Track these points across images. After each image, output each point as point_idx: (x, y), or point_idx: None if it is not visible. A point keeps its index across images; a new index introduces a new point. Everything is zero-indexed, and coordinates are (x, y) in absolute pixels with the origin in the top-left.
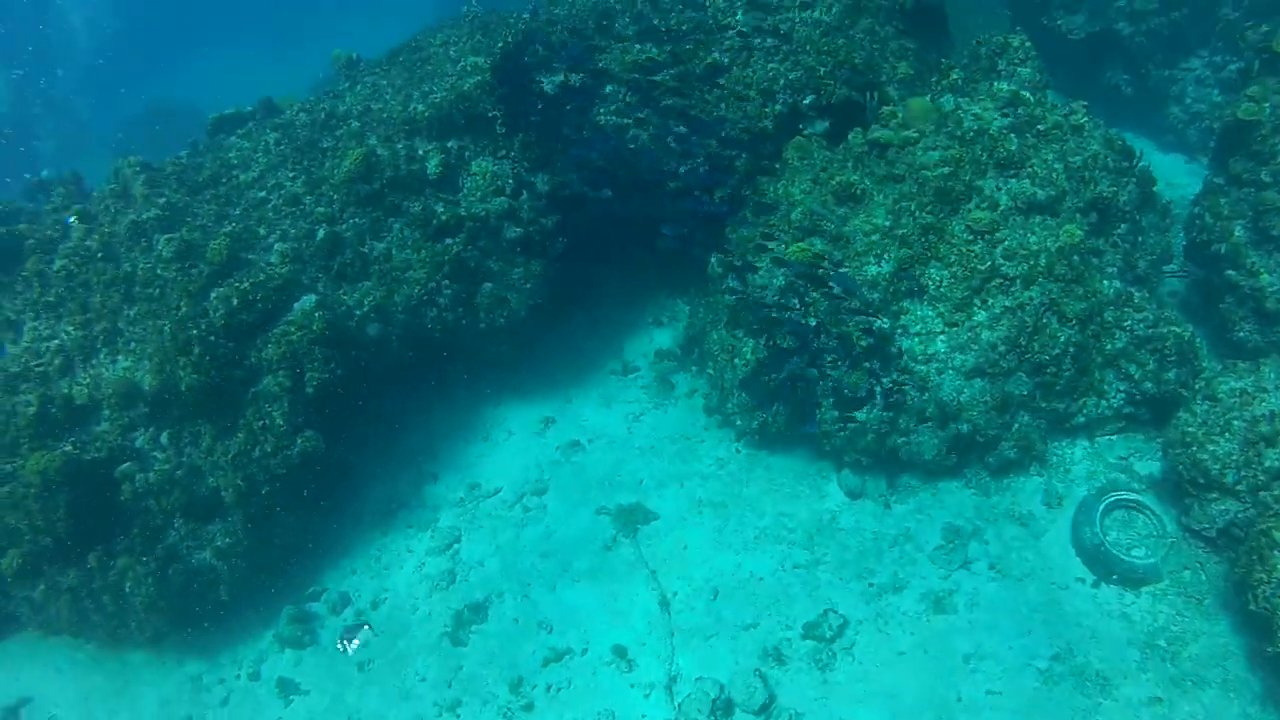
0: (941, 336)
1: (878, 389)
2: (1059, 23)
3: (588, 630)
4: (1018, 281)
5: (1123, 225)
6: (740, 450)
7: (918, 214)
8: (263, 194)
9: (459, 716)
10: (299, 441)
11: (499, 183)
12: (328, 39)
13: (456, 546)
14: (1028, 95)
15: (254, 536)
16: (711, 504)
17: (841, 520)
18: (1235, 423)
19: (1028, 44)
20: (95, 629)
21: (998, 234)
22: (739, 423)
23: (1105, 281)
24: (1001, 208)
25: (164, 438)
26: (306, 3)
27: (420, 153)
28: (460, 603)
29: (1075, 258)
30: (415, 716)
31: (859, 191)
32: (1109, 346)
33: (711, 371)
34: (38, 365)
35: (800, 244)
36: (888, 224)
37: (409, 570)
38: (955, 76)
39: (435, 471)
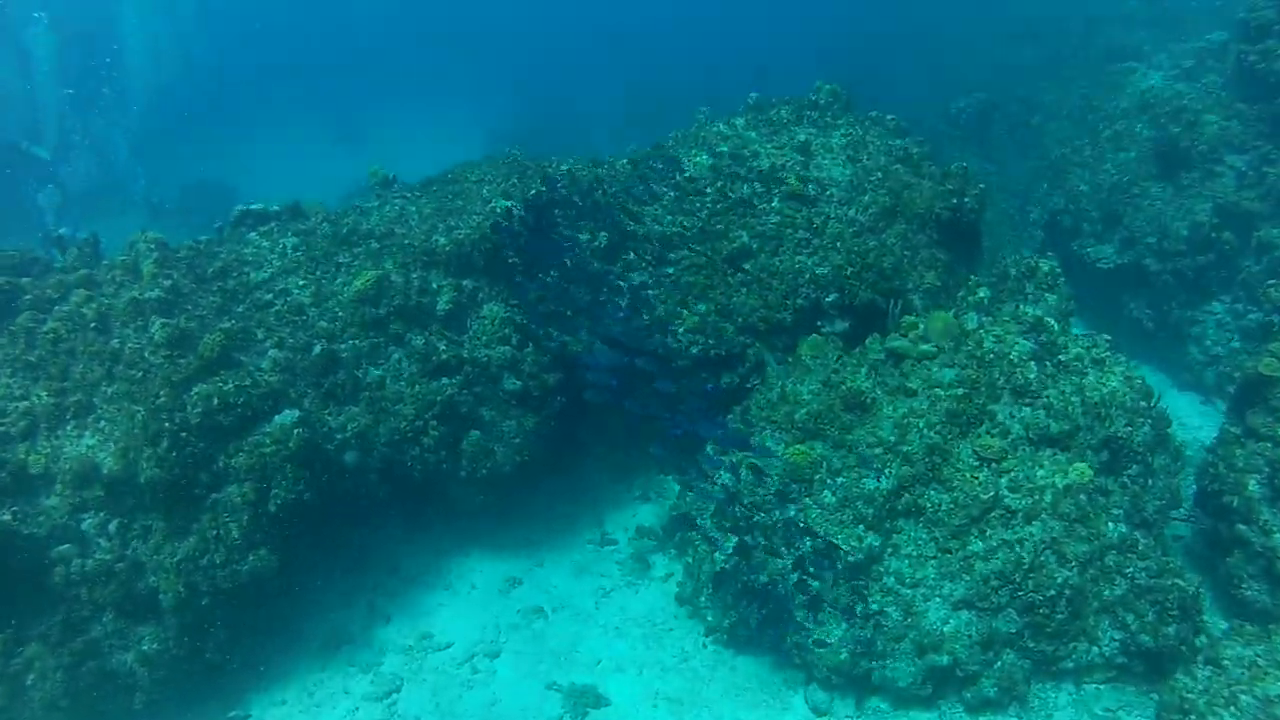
0: (933, 562)
1: (858, 608)
2: (1089, 250)
3: None
4: (1020, 515)
5: (1134, 466)
6: (707, 646)
7: (925, 432)
8: (269, 296)
9: None
10: (251, 558)
11: (506, 330)
12: (388, 149)
13: (395, 697)
14: (1052, 322)
15: (185, 647)
16: (668, 699)
17: None
18: (1243, 698)
19: (1057, 270)
20: None
21: (1005, 463)
22: (710, 618)
23: (1111, 524)
24: (1012, 436)
25: (113, 526)
26: (379, 111)
27: (434, 286)
28: None
29: (1083, 497)
30: None
31: (868, 401)
32: (1107, 592)
33: (690, 560)
34: (1, 424)
35: (802, 446)
36: (893, 438)
37: (341, 712)
38: (981, 295)
39: (389, 613)
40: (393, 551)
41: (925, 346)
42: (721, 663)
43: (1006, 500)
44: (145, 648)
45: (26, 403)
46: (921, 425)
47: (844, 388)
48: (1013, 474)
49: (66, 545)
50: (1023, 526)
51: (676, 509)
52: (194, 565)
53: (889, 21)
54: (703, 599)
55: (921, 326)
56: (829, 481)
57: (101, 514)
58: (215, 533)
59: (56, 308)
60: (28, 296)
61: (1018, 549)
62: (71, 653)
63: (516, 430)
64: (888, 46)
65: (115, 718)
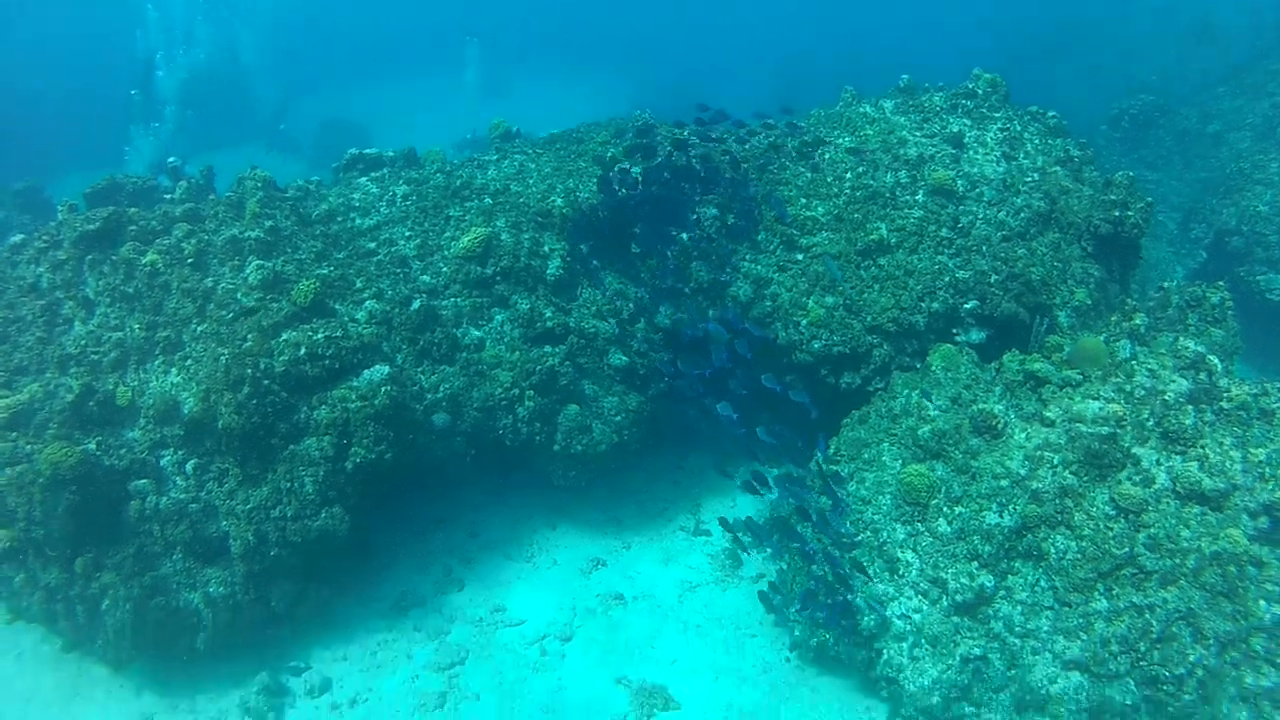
0: (1048, 613)
1: (959, 651)
2: (1260, 279)
3: None
4: (1155, 578)
5: None
6: (790, 660)
7: (1059, 470)
8: (373, 245)
9: None
10: (323, 515)
11: (619, 303)
12: (529, 106)
13: (458, 669)
14: (1215, 362)
15: (250, 593)
16: (741, 712)
17: None
18: None
19: (1229, 302)
20: (61, 632)
21: (1145, 517)
22: (798, 632)
23: (1263, 603)
24: (1157, 487)
25: (190, 466)
26: (528, 70)
27: (545, 249)
28: None
29: (1233, 568)
30: None
31: (1000, 426)
32: (1250, 681)
33: (784, 567)
34: (94, 352)
35: (921, 466)
36: (1023, 472)
37: (401, 677)
38: (1138, 322)
39: (464, 579)
40: (475, 515)
41: (1069, 372)
42: (803, 681)
43: (1142, 559)
44: (212, 590)
45: (120, 334)
46: (1056, 462)
47: (975, 408)
48: (1153, 530)
49: (144, 480)
50: (1157, 591)
51: (777, 510)
52: (265, 515)
53: (1049, 16)
54: (792, 611)
55: (1067, 349)
56: (945, 510)
57: (180, 452)
58: (289, 485)
59: (158, 240)
60: (133, 227)
61: (1148, 615)
62: (141, 586)
63: (618, 408)
64: (1047, 41)
65: (179, 654)
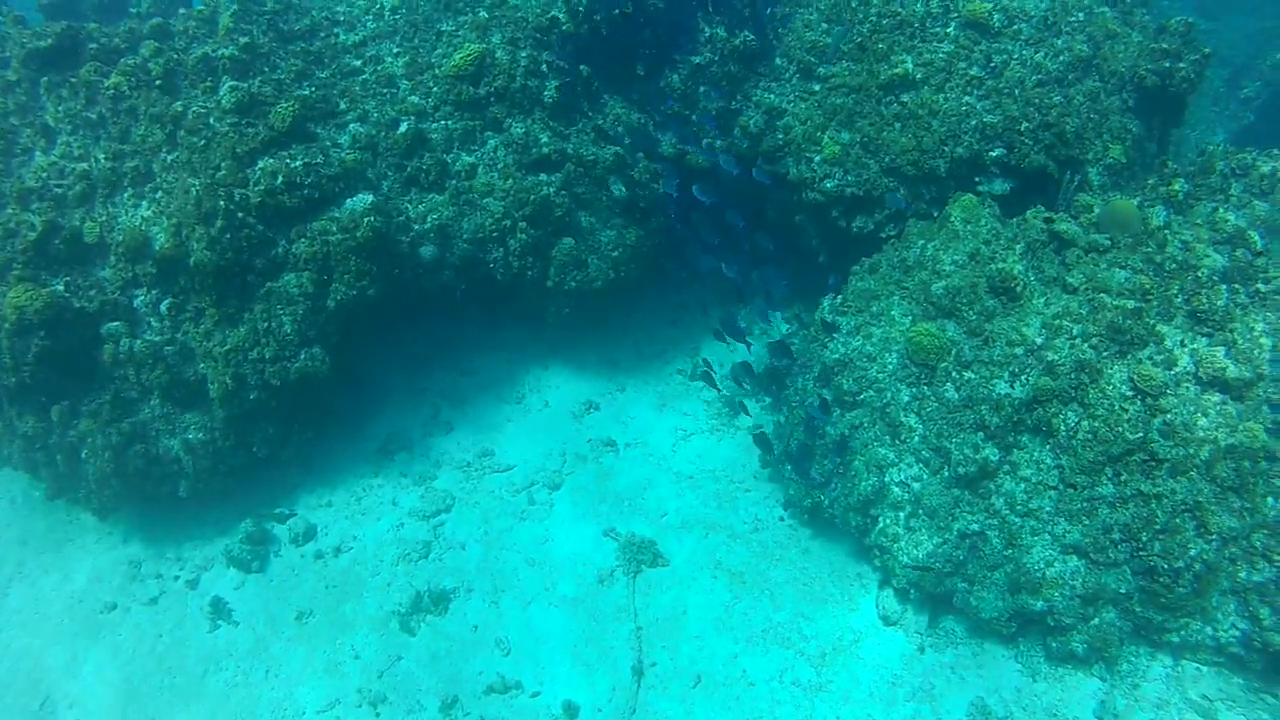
0: (1052, 494)
1: (956, 525)
2: None
3: (546, 669)
4: (1165, 467)
5: None
6: (784, 519)
7: (1079, 342)
8: (358, 63)
9: (378, 716)
10: (302, 357)
11: (620, 130)
12: None
13: (443, 517)
14: (1256, 238)
15: (231, 439)
16: (730, 571)
17: (864, 647)
18: None
19: None
20: (44, 480)
21: (1163, 401)
22: (792, 490)
23: (1271, 500)
24: (1178, 370)
25: (164, 306)
26: None
27: (544, 68)
28: (425, 583)
29: (1246, 463)
30: (333, 698)
31: (1019, 288)
32: (1244, 575)
33: (783, 420)
34: (58, 185)
35: (931, 325)
36: (1039, 340)
37: (386, 525)
38: (1177, 187)
39: (451, 421)
40: (467, 352)
41: (1097, 236)
42: (795, 542)
43: (1155, 445)
44: (191, 436)
45: (84, 165)
46: (1075, 333)
47: (993, 266)
48: (1169, 416)
49: (116, 323)
50: (1166, 480)
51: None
52: (243, 357)
53: None
54: (789, 467)
55: (1097, 210)
56: (954, 374)
57: (154, 291)
58: (267, 325)
59: (123, 60)
60: (93, 45)
61: (1154, 505)
62: (119, 433)
63: (616, 242)
64: None
65: (162, 501)
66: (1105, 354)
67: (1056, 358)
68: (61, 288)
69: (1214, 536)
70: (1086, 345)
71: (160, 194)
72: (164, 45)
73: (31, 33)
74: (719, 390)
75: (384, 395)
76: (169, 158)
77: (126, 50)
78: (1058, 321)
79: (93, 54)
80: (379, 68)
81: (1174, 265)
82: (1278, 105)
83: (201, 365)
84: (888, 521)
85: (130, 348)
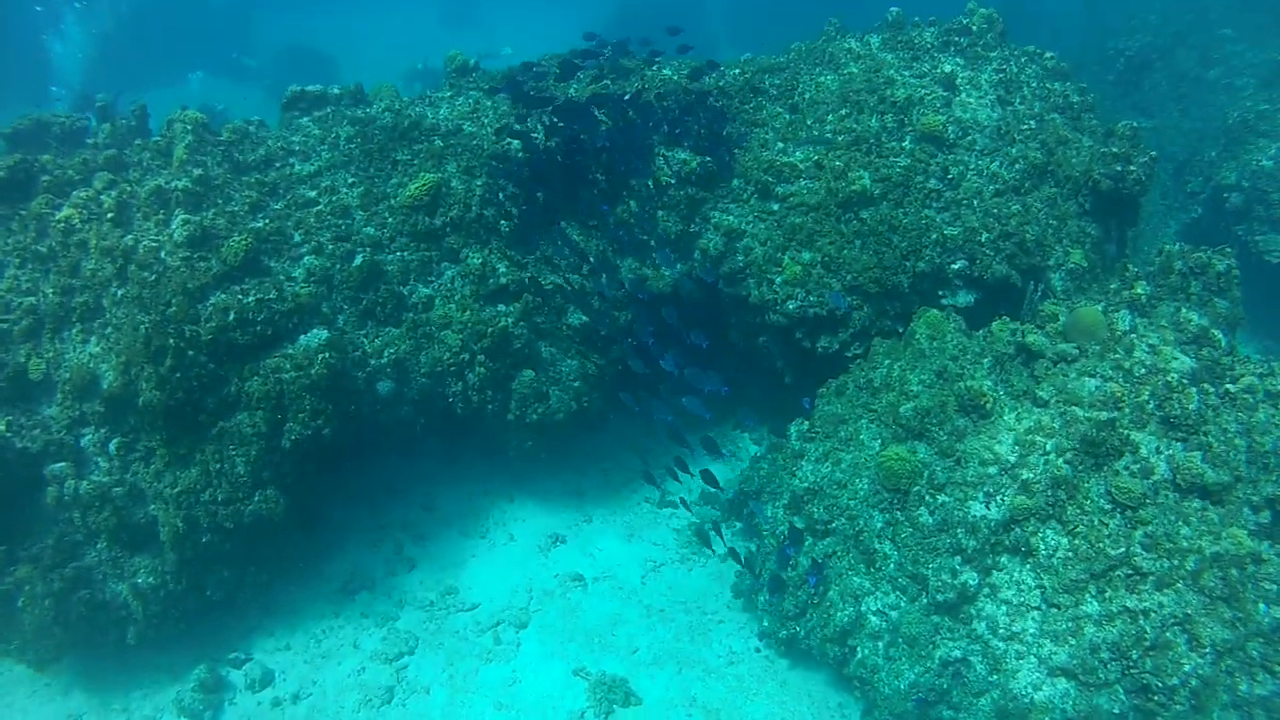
0: (1035, 614)
1: (937, 653)
2: (1260, 239)
3: None
4: (1151, 580)
5: None
6: (760, 650)
7: (1052, 458)
8: (313, 194)
9: None
10: (256, 499)
11: (577, 258)
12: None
13: (407, 660)
14: (1220, 337)
15: (183, 582)
16: (706, 708)
17: None
18: None
19: (1235, 271)
20: None
21: (1143, 512)
22: (766, 622)
23: (1262, 605)
24: (1156, 478)
25: (113, 445)
26: None
27: (500, 196)
28: None
29: (1233, 570)
30: None
31: (989, 405)
32: (1244, 689)
33: (754, 548)
34: (3, 320)
35: (901, 448)
36: (1012, 458)
37: (346, 669)
38: (1140, 291)
39: (414, 558)
40: (428, 485)
41: (1064, 345)
42: (772, 675)
43: (1138, 559)
44: (140, 580)
45: (32, 299)
46: (1049, 448)
47: (961, 384)
48: (1150, 528)
49: (61, 464)
50: (1152, 594)
51: (748, 482)
52: (195, 499)
53: None
54: (761, 598)
55: (1063, 319)
56: (928, 498)
57: (102, 431)
58: (219, 465)
59: (76, 192)
60: (46, 177)
61: (1142, 621)
62: (62, 579)
63: (577, 372)
64: None
65: (108, 649)
66: (1081, 468)
67: (1031, 475)
68: (3, 427)
69: (1207, 649)
70: (1061, 460)
71: (110, 330)
72: (118, 177)
73: None
74: (659, 488)
75: (343, 532)
76: (119, 293)
77: (80, 182)
78: (1030, 437)
79: (45, 186)
80: (334, 198)
81: (1143, 370)
82: (1219, 200)
83: (152, 507)
84: (866, 651)
85: (76, 489)
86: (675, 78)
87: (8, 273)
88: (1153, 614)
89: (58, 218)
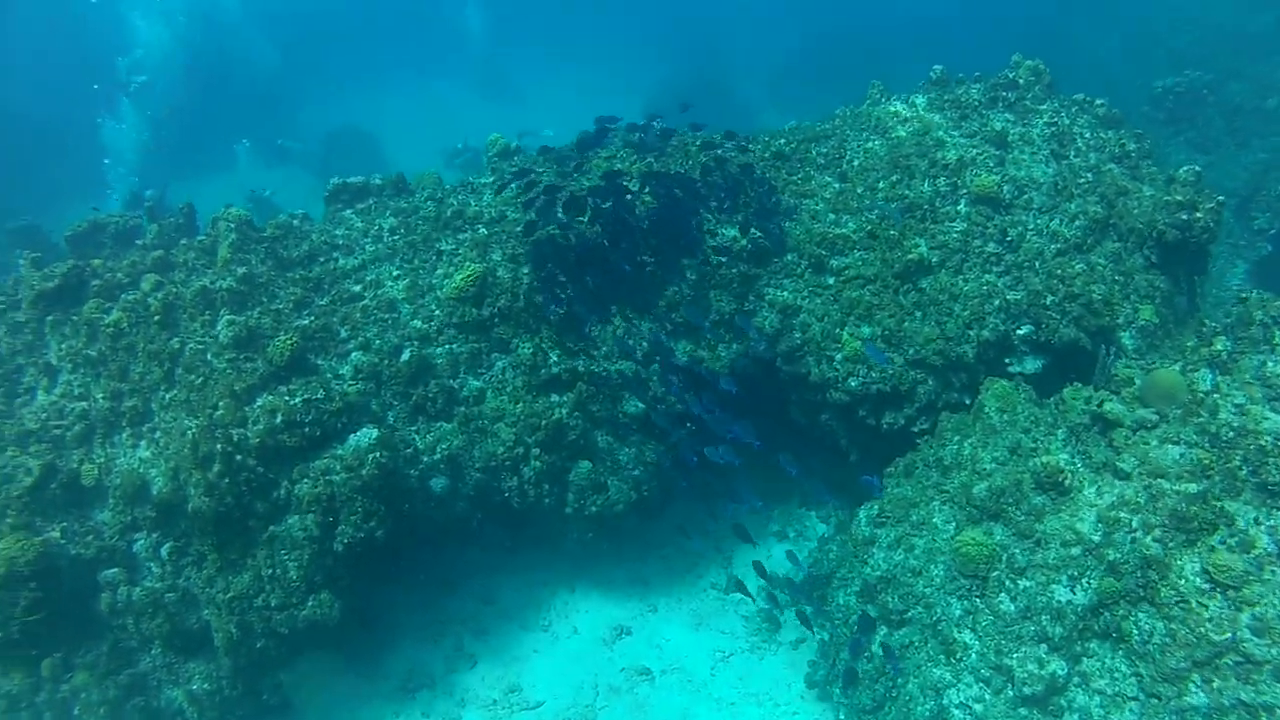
0: (1133, 705)
1: None
2: None
3: None
4: (1267, 669)
5: None
6: None
7: (1140, 536)
8: (358, 288)
9: None
10: (310, 603)
11: (631, 342)
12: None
13: None
14: None
15: (239, 688)
16: None
17: None
18: None
19: None
20: None
21: (1247, 591)
22: (842, 715)
23: None
24: (1257, 551)
25: (165, 550)
26: (532, 67)
27: (548, 284)
28: None
29: None
30: None
31: (1067, 481)
32: None
33: (827, 637)
34: (56, 426)
35: (976, 530)
36: (1096, 537)
37: None
38: (1219, 347)
39: (475, 654)
40: (488, 577)
41: (1143, 412)
42: None
43: (1248, 646)
44: (195, 686)
45: (84, 404)
46: (1135, 524)
47: (1036, 460)
48: (1259, 609)
49: (114, 570)
50: (1271, 685)
51: (818, 566)
52: (247, 605)
53: None
54: (836, 690)
55: (1138, 382)
56: (1008, 583)
57: (154, 535)
58: (271, 571)
59: (124, 295)
60: (96, 282)
61: (1263, 717)
62: (117, 685)
63: (635, 460)
64: (1076, 6)
65: None
66: (1172, 545)
67: (1118, 555)
68: (57, 534)
69: None
70: (1150, 538)
71: (159, 434)
72: (163, 278)
73: (41, 274)
74: (752, 598)
75: (401, 626)
76: (167, 396)
77: (128, 284)
78: (1114, 513)
79: (96, 290)
80: (379, 292)
81: (1231, 433)
82: None
83: (205, 612)
84: None
85: (129, 595)
86: (720, 152)
87: (61, 378)
88: (1278, 710)
89: (107, 322)
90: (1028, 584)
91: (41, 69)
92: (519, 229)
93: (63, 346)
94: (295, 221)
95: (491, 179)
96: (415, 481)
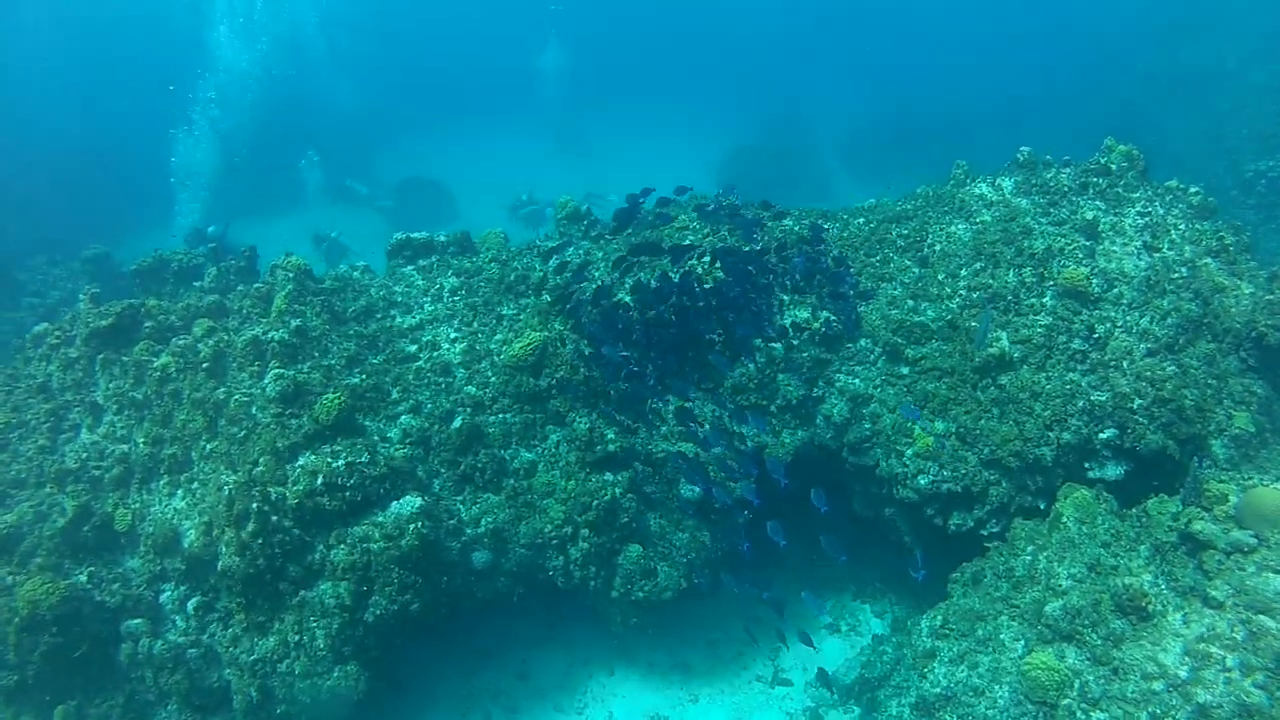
0: None
1: None
2: None
3: None
4: None
5: None
6: None
7: (1237, 677)
8: (413, 348)
9: None
10: (335, 674)
11: (692, 424)
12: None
13: None
14: None
15: None
16: None
17: None
18: None
19: None
20: None
21: None
22: None
23: None
24: None
25: (191, 605)
26: (607, 123)
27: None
28: None
29: None
30: None
31: (1150, 606)
32: None
33: None
34: (96, 467)
35: (1048, 653)
36: (1183, 673)
37: None
38: None
39: None
40: (527, 650)
41: (1239, 534)
42: None
43: None
44: None
45: (125, 447)
46: (1231, 664)
47: (1117, 580)
48: None
49: (138, 620)
50: None
51: (869, 667)
52: (270, 669)
53: (1158, 56)
54: None
55: (1233, 500)
56: (1080, 714)
57: (182, 588)
58: (298, 638)
59: (175, 339)
60: (150, 323)
61: None
62: None
63: (689, 546)
64: (1154, 85)
65: None
66: (1277, 691)
67: (1210, 698)
68: (84, 578)
69: None
70: (1249, 683)
71: (196, 485)
72: (217, 324)
73: (98, 311)
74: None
75: (431, 695)
76: (208, 446)
77: (181, 328)
78: (1204, 647)
79: (148, 331)
80: (435, 354)
81: None
82: None
83: (226, 671)
84: None
85: (150, 647)
86: (796, 228)
87: (106, 418)
88: None
89: (155, 365)
90: (1102, 717)
91: (121, 88)
92: (584, 298)
93: (110, 386)
94: (356, 273)
95: (559, 241)
96: (456, 554)
